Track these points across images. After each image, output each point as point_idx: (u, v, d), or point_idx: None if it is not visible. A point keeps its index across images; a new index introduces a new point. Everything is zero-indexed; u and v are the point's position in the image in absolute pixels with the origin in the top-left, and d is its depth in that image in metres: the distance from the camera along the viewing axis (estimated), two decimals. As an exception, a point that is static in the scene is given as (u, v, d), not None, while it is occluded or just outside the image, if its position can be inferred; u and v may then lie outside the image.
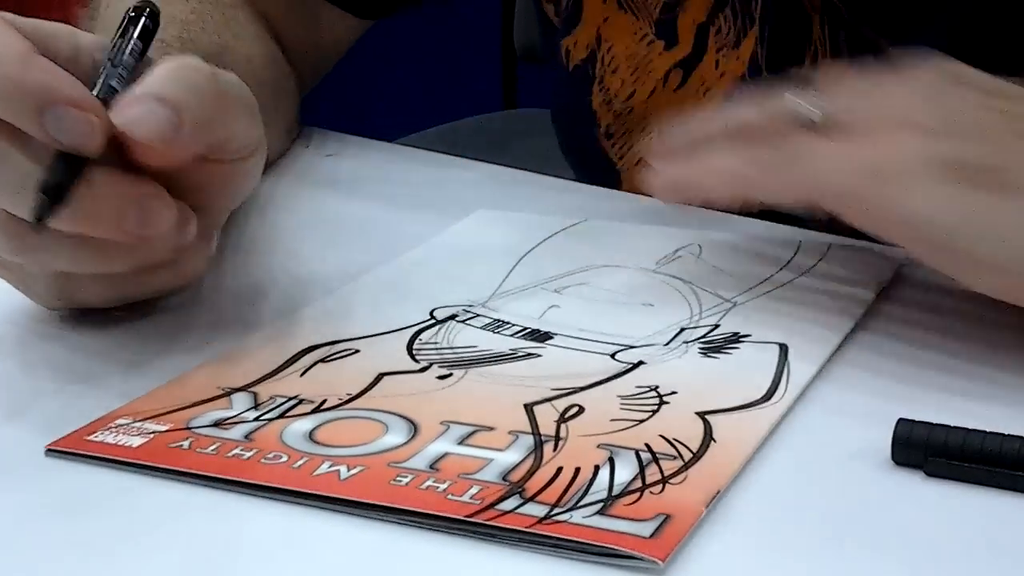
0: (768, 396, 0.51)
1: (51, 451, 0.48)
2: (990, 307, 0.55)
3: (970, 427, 0.46)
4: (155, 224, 0.52)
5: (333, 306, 0.60)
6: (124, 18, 0.57)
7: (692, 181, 0.58)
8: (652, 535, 0.42)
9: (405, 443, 0.48)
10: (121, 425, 0.49)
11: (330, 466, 0.46)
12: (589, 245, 0.67)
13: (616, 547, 0.42)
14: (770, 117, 0.58)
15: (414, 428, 0.49)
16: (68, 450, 0.48)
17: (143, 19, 0.57)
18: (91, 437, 0.48)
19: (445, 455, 0.47)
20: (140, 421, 0.49)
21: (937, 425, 0.46)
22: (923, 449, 0.46)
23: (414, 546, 0.43)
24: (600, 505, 0.44)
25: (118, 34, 0.56)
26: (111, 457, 0.47)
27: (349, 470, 0.46)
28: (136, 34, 0.56)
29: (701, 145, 0.59)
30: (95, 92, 0.53)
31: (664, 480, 0.46)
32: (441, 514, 0.44)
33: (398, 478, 0.45)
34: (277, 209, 0.73)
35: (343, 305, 0.60)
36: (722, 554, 0.43)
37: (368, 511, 0.44)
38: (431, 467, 0.46)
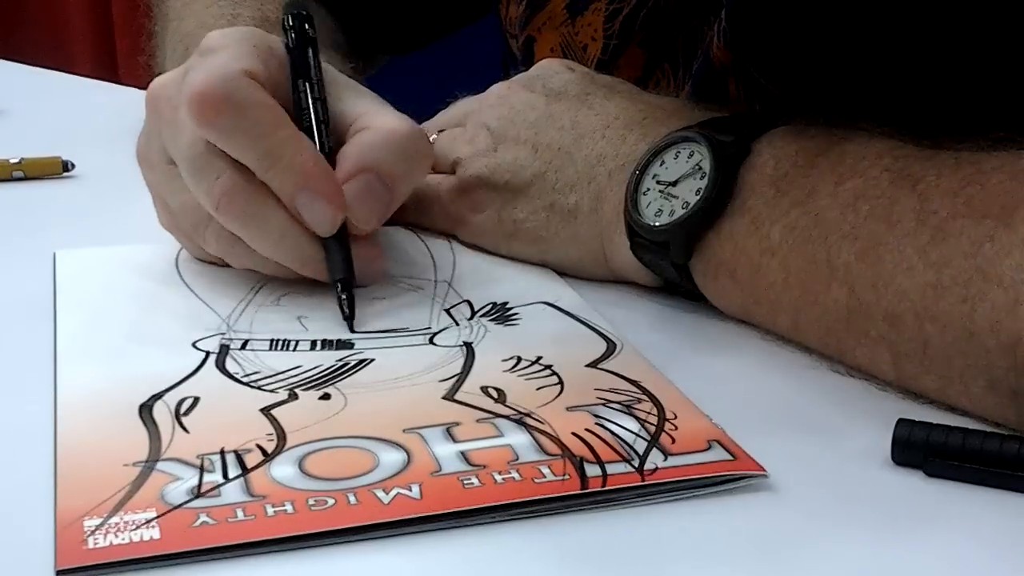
0: (612, 346, 0.55)
1: (63, 572, 0.41)
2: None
3: (970, 427, 0.47)
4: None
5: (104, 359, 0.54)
6: (292, 31, 0.61)
7: None
8: (735, 457, 0.46)
9: (408, 456, 0.46)
10: (110, 525, 0.42)
11: (370, 492, 0.44)
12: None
13: (731, 473, 0.45)
14: None
15: (394, 442, 0.47)
16: (87, 564, 0.41)
17: (306, 28, 0.61)
18: (93, 546, 0.41)
19: (460, 453, 0.46)
20: (112, 517, 0.42)
21: (937, 425, 0.47)
22: (923, 449, 0.46)
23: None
24: (654, 450, 0.46)
25: (302, 61, 0.60)
26: (140, 556, 0.41)
27: (387, 493, 0.44)
28: (314, 55, 0.61)
29: None
30: (317, 140, 0.59)
31: (663, 416, 0.49)
32: (561, 494, 0.44)
33: (463, 481, 0.44)
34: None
35: (109, 358, 0.54)
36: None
37: (444, 522, 0.43)
38: (470, 464, 0.45)
